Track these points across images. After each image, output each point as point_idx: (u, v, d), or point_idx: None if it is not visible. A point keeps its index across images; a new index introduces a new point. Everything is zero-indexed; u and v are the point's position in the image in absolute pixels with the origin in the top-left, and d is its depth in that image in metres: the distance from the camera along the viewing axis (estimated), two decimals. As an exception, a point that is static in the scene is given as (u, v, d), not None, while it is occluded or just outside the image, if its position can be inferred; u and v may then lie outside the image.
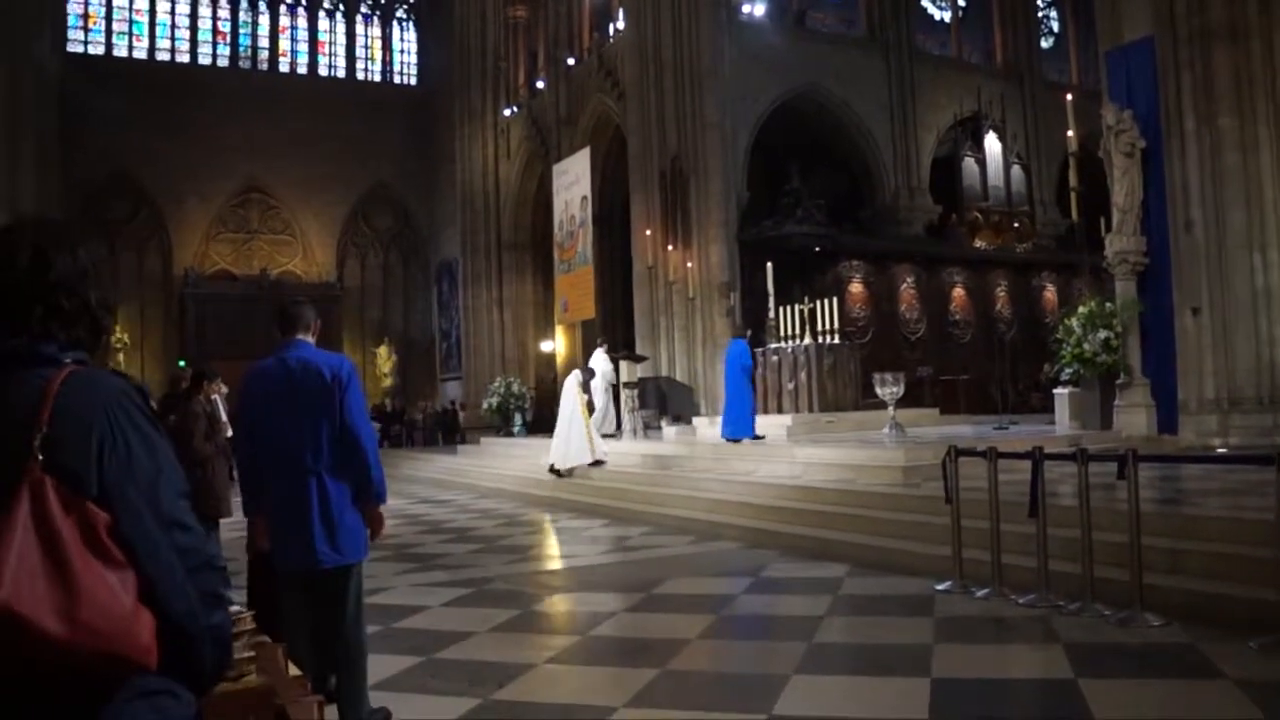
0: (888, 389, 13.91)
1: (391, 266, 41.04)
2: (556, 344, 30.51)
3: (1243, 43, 12.33)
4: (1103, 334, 13.01)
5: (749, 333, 16.40)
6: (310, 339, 4.74)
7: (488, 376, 30.41)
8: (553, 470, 15.98)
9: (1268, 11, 12.25)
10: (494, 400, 26.71)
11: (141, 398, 1.60)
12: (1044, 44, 33.75)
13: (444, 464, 22.37)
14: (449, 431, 32.29)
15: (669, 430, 18.35)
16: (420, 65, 41.92)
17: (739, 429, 14.70)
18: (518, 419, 26.67)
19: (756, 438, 14.70)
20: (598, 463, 15.66)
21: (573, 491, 14.92)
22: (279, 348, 4.69)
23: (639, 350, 22.18)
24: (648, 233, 23.14)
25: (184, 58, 37.89)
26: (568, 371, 19.27)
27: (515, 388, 27.08)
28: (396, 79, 41.88)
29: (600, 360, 18.98)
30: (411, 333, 40.55)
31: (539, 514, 14.04)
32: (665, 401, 19.95)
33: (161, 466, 1.55)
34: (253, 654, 2.84)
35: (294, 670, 3.20)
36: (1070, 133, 13.91)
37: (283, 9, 39.72)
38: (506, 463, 19.89)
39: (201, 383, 8.29)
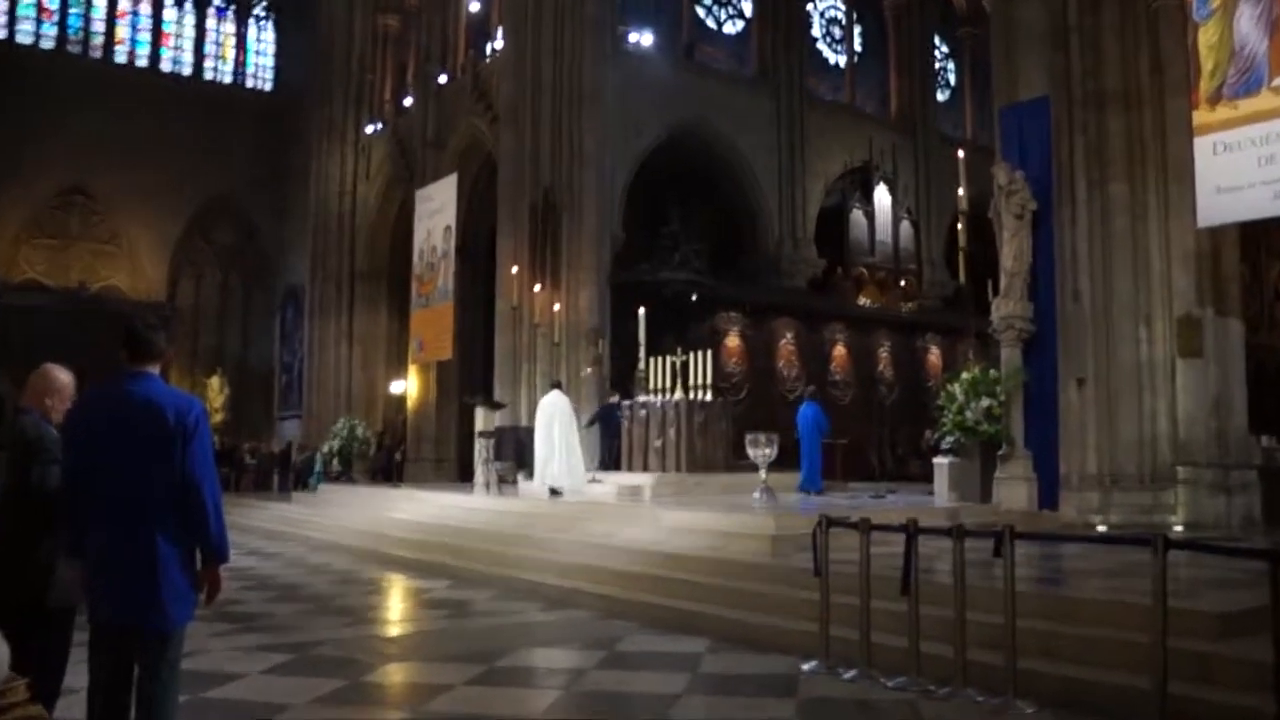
0: (760, 450, 13.98)
1: (231, 288, 39.94)
2: (408, 385, 30.01)
3: (1135, 109, 13.01)
4: (985, 402, 13.37)
5: (818, 394, 18.39)
6: (157, 370, 4.53)
7: (331, 416, 29.71)
8: (553, 492, 16.37)
9: (1160, 78, 12.90)
10: (335, 443, 26.10)
11: None
12: (939, 96, 35.08)
13: (277, 512, 21.68)
14: (288, 474, 31.52)
15: (525, 485, 18.14)
16: (277, 69, 41.18)
17: (813, 483, 16.56)
18: (317, 468, 26.33)
19: (819, 492, 16.41)
20: (556, 491, 16.21)
21: (417, 549, 14.59)
22: (122, 377, 4.47)
23: (497, 396, 21.98)
24: (514, 270, 23.00)
25: (-1, 33, 36.16)
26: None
27: (360, 431, 26.53)
28: (250, 82, 41.01)
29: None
30: (249, 363, 39.45)
31: (378, 571, 13.67)
32: (523, 454, 19.71)
33: None
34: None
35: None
36: (961, 190, 14.39)
37: (123, -9, 38.37)
38: (346, 513, 19.37)
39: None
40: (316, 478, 26.29)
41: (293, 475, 29.23)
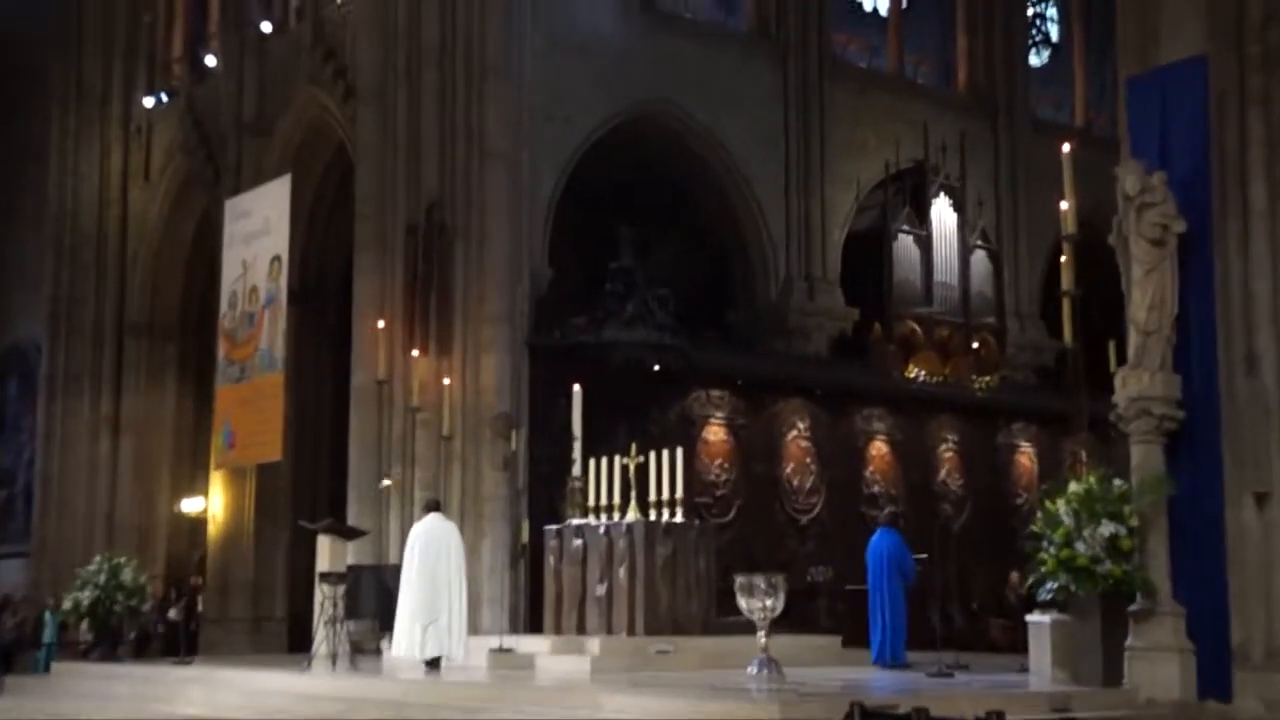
0: (758, 601, 13.89)
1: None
2: (212, 503, 29.57)
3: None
4: (1108, 528, 13.25)
5: (900, 520, 18.69)
6: None
7: (79, 553, 29.10)
8: (432, 664, 16.78)
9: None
10: (85, 596, 25.58)
11: None
12: (1034, 59, 35.32)
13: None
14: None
15: (392, 656, 17.88)
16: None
17: (888, 651, 17.46)
18: (48, 638, 26.08)
19: (903, 666, 17.30)
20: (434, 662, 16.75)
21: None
22: None
23: (352, 519, 21.76)
24: (380, 324, 22.90)
25: None
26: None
27: (128, 575, 25.99)
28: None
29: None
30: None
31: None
32: (390, 608, 19.46)
33: None
34: None
35: None
36: (1066, 204, 14.34)
37: None
38: (98, 708, 19.03)
39: None
40: (47, 652, 25.76)
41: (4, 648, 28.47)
